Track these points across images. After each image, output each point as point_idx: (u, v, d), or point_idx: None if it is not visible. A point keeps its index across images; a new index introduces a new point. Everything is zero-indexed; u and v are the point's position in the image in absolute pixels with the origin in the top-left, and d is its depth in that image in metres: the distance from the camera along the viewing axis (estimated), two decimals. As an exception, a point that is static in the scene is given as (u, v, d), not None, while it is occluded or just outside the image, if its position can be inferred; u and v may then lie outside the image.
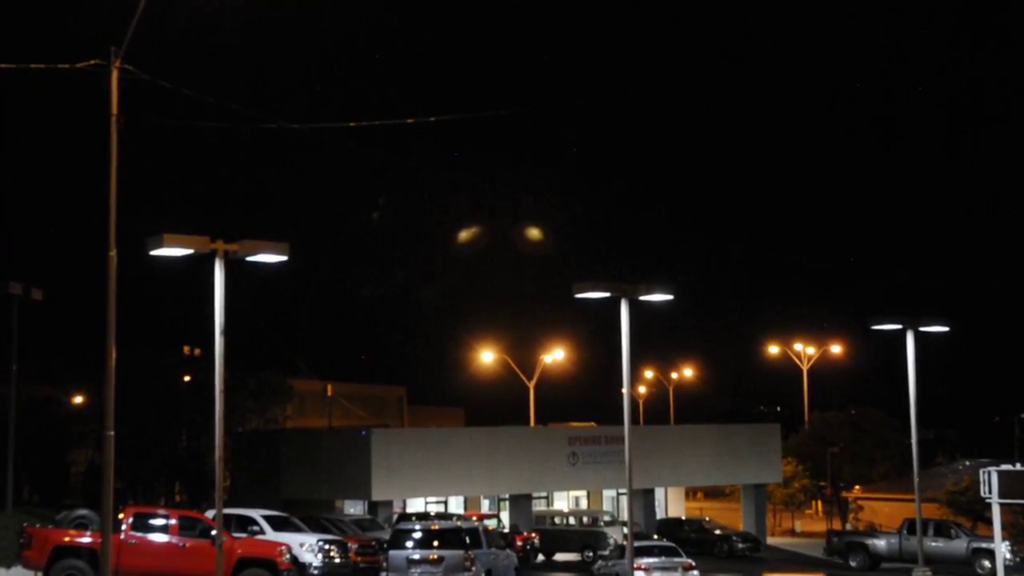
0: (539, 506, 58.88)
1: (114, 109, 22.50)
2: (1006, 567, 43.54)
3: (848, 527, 66.57)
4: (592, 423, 65.06)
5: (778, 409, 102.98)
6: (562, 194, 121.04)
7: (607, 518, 56.36)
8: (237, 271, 26.29)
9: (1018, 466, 44.62)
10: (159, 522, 30.49)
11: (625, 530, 38.63)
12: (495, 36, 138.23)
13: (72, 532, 30.26)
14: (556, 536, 54.52)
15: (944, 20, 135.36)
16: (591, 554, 50.20)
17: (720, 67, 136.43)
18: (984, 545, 47.89)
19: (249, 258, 25.81)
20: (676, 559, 34.82)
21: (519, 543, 47.79)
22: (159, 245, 24.64)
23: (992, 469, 43.32)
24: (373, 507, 50.81)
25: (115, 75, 22.45)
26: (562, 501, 61.69)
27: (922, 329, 38.37)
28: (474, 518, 44.04)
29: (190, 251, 25.12)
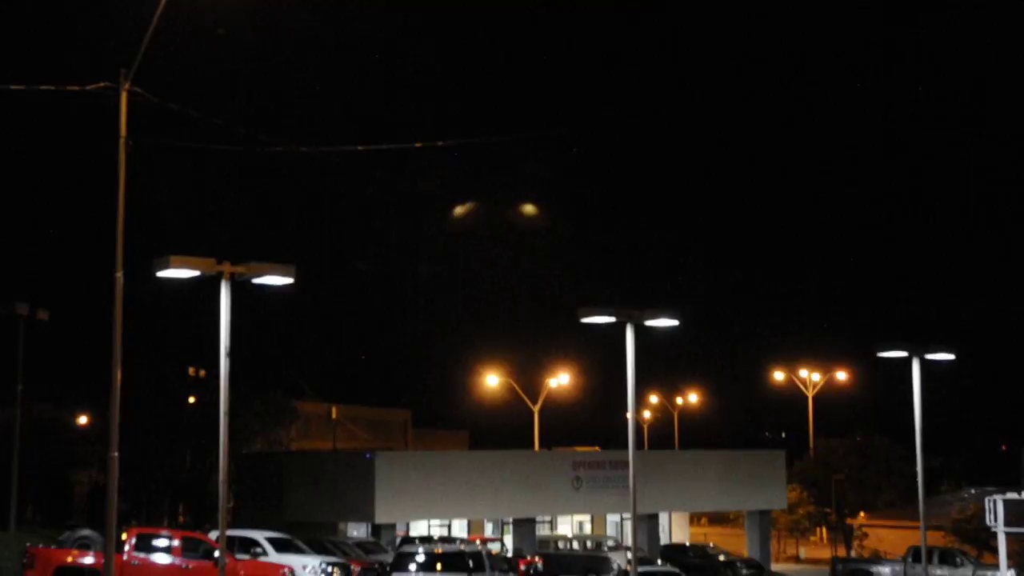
0: (543, 530, 58.77)
1: (123, 131, 22.60)
2: (1012, 596, 43.40)
3: (852, 554, 66.37)
4: (596, 447, 65.11)
5: (783, 435, 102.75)
6: (569, 218, 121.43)
7: (611, 543, 56.23)
8: (243, 293, 26.34)
9: (1023, 494, 44.58)
10: (162, 543, 30.49)
11: (629, 555, 38.55)
12: (497, 58, 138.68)
13: (75, 552, 30.27)
14: (560, 560, 54.32)
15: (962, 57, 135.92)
16: (595, 579, 50.07)
17: (724, 92, 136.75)
18: (989, 574, 47.79)
19: (255, 280, 25.85)
20: (680, 585, 34.73)
21: (522, 567, 47.69)
22: (166, 267, 24.69)
23: (998, 497, 43.26)
24: (376, 530, 50.76)
25: (124, 97, 22.55)
26: (566, 525, 61.58)
27: (928, 357, 38.30)
28: (478, 542, 43.96)
29: (196, 273, 25.18)
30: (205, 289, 26.15)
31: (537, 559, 52.18)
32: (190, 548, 30.25)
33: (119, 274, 22.52)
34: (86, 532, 32.93)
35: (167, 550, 30.10)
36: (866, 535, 72.29)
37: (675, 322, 33.15)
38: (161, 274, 25.05)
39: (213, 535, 30.94)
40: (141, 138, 23.02)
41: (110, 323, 22.58)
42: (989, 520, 43.31)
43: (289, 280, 26.12)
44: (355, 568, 36.43)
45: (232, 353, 25.97)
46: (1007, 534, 43.54)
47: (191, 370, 62.98)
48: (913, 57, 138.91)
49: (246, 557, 32.66)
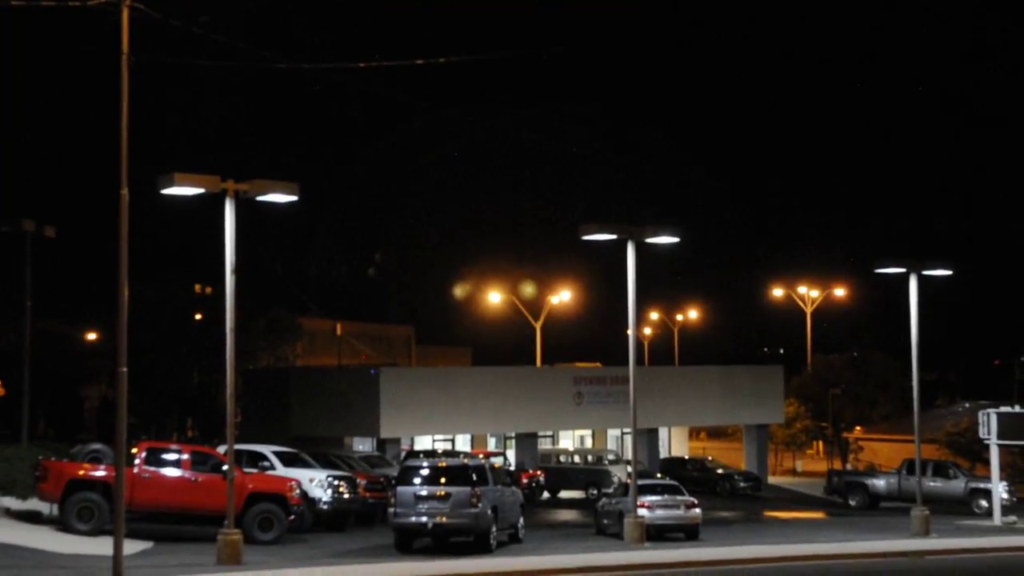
0: (544, 445, 59.14)
1: (124, 47, 22.34)
2: (1003, 506, 43.73)
3: (848, 467, 66.81)
4: (597, 364, 65.15)
5: (781, 351, 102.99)
6: (572, 136, 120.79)
7: (611, 457, 56.59)
8: (248, 211, 26.25)
9: (1017, 408, 44.77)
10: (172, 457, 30.61)
11: (629, 469, 38.79)
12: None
13: (86, 466, 30.39)
14: (561, 474, 54.78)
15: None
16: (595, 492, 50.43)
17: (730, 19, 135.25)
18: (982, 485, 48.09)
19: (259, 198, 25.77)
20: (678, 497, 34.91)
21: (525, 480, 48.05)
22: (170, 184, 24.63)
23: (991, 411, 43.49)
24: (381, 444, 51.03)
25: (126, 13, 22.27)
26: (567, 440, 61.94)
27: (925, 273, 38.23)
28: (481, 456, 44.17)
29: (201, 191, 25.09)
30: (212, 207, 26.07)
31: (539, 473, 52.60)
32: (199, 462, 30.38)
33: (124, 191, 22.37)
34: (97, 446, 33.03)
35: (176, 464, 30.23)
36: (862, 448, 72.68)
37: (675, 239, 33.09)
38: (166, 191, 25.00)
39: (221, 449, 31.08)
40: (143, 55, 22.76)
41: (117, 240, 22.47)
42: (982, 433, 43.56)
43: (293, 198, 26.04)
44: (361, 482, 36.65)
45: (237, 270, 25.96)
46: (1000, 447, 43.80)
47: (197, 287, 63.00)
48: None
49: (254, 471, 32.86)
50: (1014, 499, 46.70)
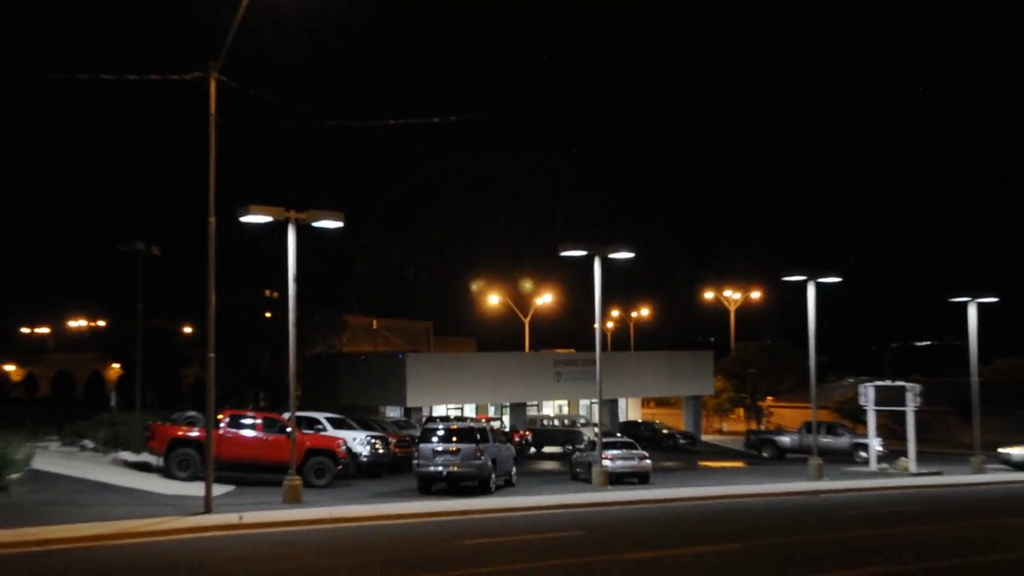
0: (532, 411, 59.20)
1: (212, 110, 22.42)
2: (878, 456, 43.89)
3: (762, 427, 66.94)
4: (572, 349, 65.16)
5: (711, 339, 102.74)
6: (551, 171, 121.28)
7: (583, 421, 56.64)
8: (306, 232, 26.28)
9: (888, 383, 44.92)
10: (248, 421, 30.65)
11: (596, 429, 38.87)
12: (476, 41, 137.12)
13: (185, 428, 30.43)
14: (544, 434, 54.87)
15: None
16: (570, 447, 50.52)
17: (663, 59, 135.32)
18: (862, 440, 48.23)
19: (314, 224, 25.84)
20: (633, 451, 35.00)
21: (517, 439, 48.13)
22: (247, 213, 24.70)
23: (869, 385, 43.72)
24: (408, 412, 51.08)
25: (213, 84, 22.35)
26: (549, 408, 62.00)
27: (820, 280, 38.39)
28: (483, 420, 44.22)
29: (269, 218, 25.17)
30: (279, 230, 26.14)
31: (527, 433, 52.65)
32: (269, 425, 30.43)
33: (212, 219, 22.45)
34: (192, 413, 33.09)
35: (252, 426, 30.28)
36: (772, 413, 72.81)
37: (631, 254, 33.20)
38: (243, 219, 25.04)
39: (286, 415, 31.13)
40: (226, 115, 22.85)
41: (206, 255, 22.53)
42: (862, 401, 43.75)
43: (340, 224, 26.10)
44: (392, 440, 36.71)
45: (297, 279, 26.02)
46: (875, 411, 43.97)
47: (267, 292, 62.90)
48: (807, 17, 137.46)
49: (310, 432, 32.91)
50: (886, 451, 46.85)
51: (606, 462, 33.00)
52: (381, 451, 34.91)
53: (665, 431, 59.25)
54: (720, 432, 75.23)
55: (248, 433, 30.12)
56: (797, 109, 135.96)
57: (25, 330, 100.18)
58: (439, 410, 54.08)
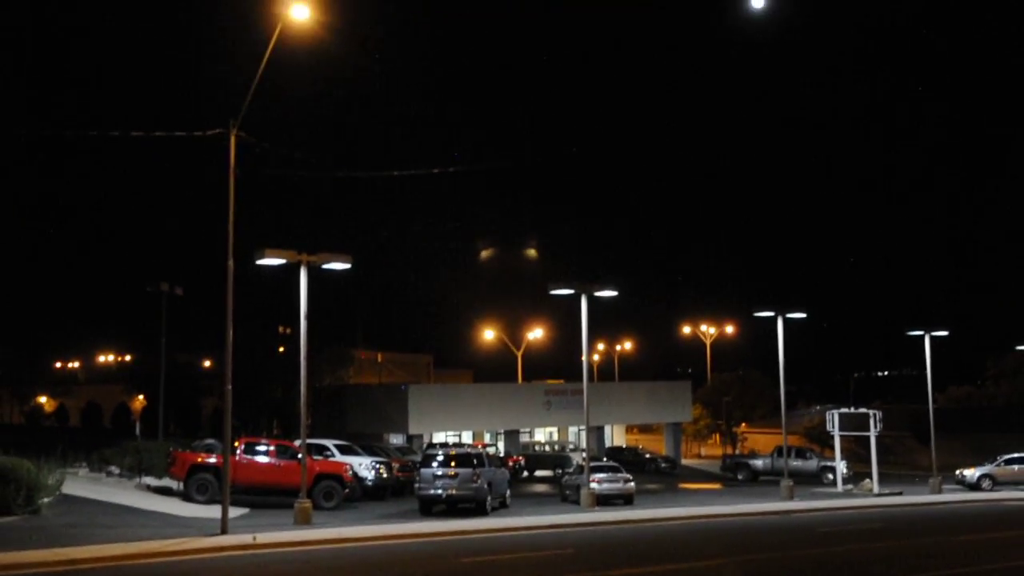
0: (524, 438, 58.93)
1: (232, 164, 22.50)
2: (843, 479, 43.71)
3: (737, 452, 66.72)
4: (561, 380, 65.12)
5: (689, 370, 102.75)
6: (539, 221, 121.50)
7: (571, 446, 56.42)
8: (316, 273, 26.27)
9: (852, 410, 44.83)
10: (262, 448, 30.45)
11: (583, 455, 38.67)
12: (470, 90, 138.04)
13: (204, 455, 30.21)
14: (536, 459, 54.60)
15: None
16: (560, 471, 50.24)
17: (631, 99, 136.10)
18: (829, 463, 48.04)
19: (324, 265, 25.84)
20: (619, 475, 34.79)
21: (510, 463, 47.85)
22: (262, 256, 24.71)
23: (835, 411, 43.58)
24: (410, 439, 50.80)
25: (232, 139, 22.44)
26: (540, 434, 61.74)
27: (788, 316, 38.47)
28: (479, 446, 43.99)
29: (283, 261, 25.16)
30: (291, 272, 26.11)
31: (520, 458, 52.39)
32: (281, 452, 30.23)
33: (230, 262, 22.44)
34: (210, 440, 32.85)
35: (265, 453, 30.09)
36: (746, 439, 72.68)
37: (615, 293, 33.24)
38: (259, 262, 25.05)
39: (297, 443, 30.94)
40: (246, 165, 22.97)
41: (225, 295, 22.49)
42: (829, 427, 43.59)
43: (348, 265, 26.11)
44: (395, 464, 36.46)
45: (308, 316, 25.94)
46: (841, 436, 43.83)
47: (280, 328, 62.76)
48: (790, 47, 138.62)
49: (320, 458, 32.68)
50: (851, 473, 46.67)
51: (593, 485, 32.78)
52: (385, 475, 34.66)
53: (648, 456, 58.99)
54: (699, 456, 74.95)
55: (262, 459, 29.90)
56: (765, 159, 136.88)
57: (58, 364, 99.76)
58: (439, 437, 53.79)
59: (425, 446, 46.21)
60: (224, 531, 21.53)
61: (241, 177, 22.61)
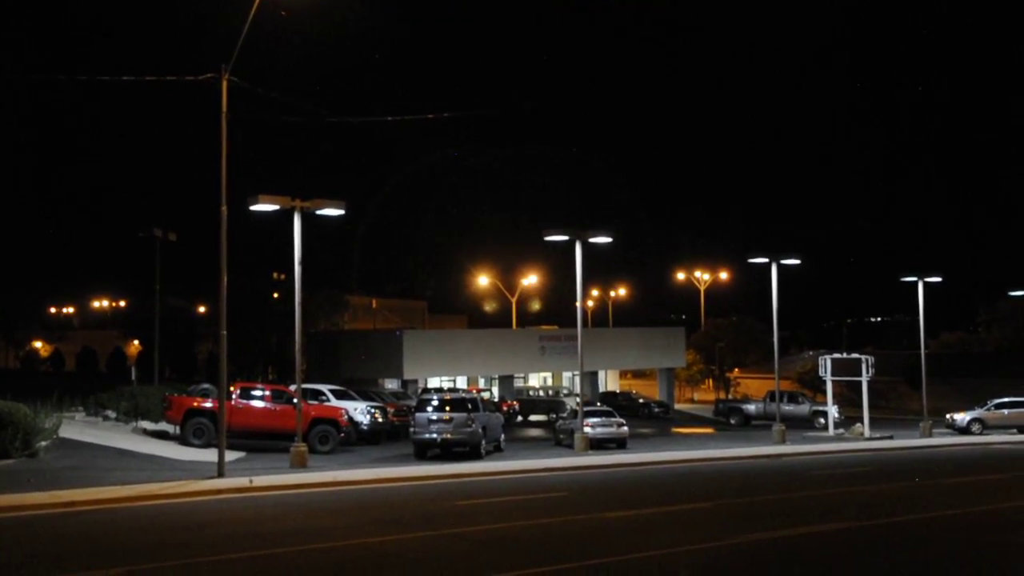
0: (519, 383, 59.29)
1: (224, 109, 22.25)
2: (835, 423, 44.13)
3: (730, 396, 67.22)
4: (556, 326, 65.26)
5: (683, 316, 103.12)
6: (539, 163, 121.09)
7: (565, 391, 56.81)
8: (310, 220, 26.16)
9: (844, 355, 45.09)
10: (258, 393, 30.59)
11: (577, 399, 38.96)
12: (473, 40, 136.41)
13: (199, 399, 30.35)
14: (530, 403, 54.99)
15: None
16: (554, 416, 50.63)
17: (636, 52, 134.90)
18: (821, 408, 48.47)
19: (318, 211, 25.71)
20: (612, 419, 35.03)
21: (505, 408, 48.15)
22: (256, 203, 24.57)
23: (827, 356, 43.84)
24: (405, 384, 51.09)
25: (225, 84, 22.17)
26: (535, 379, 62.11)
27: (782, 262, 38.48)
28: (474, 391, 44.25)
29: (277, 207, 25.03)
30: (285, 217, 26.01)
31: (515, 403, 52.73)
32: (277, 397, 30.36)
33: (224, 208, 22.31)
34: (206, 385, 32.97)
35: (261, 398, 30.22)
36: (739, 384, 73.13)
37: (610, 239, 33.15)
38: (253, 208, 24.91)
39: (292, 387, 31.10)
40: (239, 110, 22.70)
41: (219, 242, 22.40)
42: (821, 372, 43.88)
43: (341, 212, 25.98)
44: (390, 409, 36.68)
45: (303, 262, 25.89)
46: (832, 381, 44.16)
47: (275, 274, 62.73)
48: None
49: (315, 403, 32.85)
50: (843, 418, 47.10)
51: (587, 429, 33.06)
52: (380, 420, 34.88)
53: (641, 400, 59.41)
54: (692, 401, 75.51)
55: (258, 404, 30.06)
56: (761, 104, 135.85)
57: (52, 310, 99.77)
58: (433, 382, 54.10)
59: (420, 391, 46.49)
60: (221, 474, 21.72)
61: (234, 122, 22.40)
